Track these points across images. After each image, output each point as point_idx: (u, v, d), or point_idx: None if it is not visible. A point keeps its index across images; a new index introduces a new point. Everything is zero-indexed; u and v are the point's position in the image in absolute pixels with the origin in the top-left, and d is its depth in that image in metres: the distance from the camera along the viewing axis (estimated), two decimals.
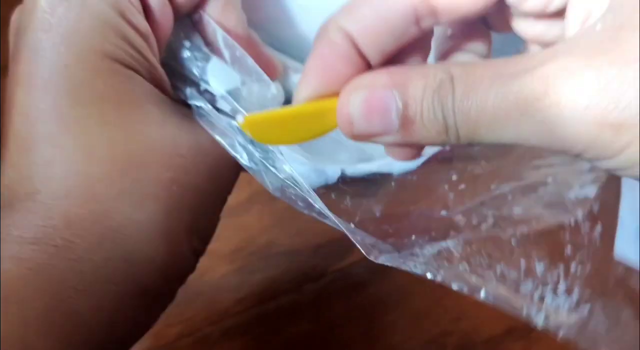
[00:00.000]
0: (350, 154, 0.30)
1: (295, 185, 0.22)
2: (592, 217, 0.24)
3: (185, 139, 0.23)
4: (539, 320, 0.21)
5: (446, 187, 0.26)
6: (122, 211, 0.21)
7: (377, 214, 0.25)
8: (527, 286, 0.22)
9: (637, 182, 0.18)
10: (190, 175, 0.22)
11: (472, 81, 0.17)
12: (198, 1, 0.24)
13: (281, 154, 0.23)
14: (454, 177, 0.27)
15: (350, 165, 0.28)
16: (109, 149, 0.21)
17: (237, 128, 0.23)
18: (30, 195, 0.20)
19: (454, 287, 0.21)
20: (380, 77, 0.18)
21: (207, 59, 0.24)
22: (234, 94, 0.24)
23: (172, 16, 0.23)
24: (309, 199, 0.22)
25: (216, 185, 0.24)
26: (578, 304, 0.21)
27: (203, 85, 0.24)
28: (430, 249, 0.23)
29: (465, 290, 0.21)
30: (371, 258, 0.21)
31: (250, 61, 0.24)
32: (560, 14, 0.20)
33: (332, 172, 0.28)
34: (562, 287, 0.22)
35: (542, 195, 0.25)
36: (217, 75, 0.24)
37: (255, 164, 0.23)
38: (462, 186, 0.26)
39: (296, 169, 0.23)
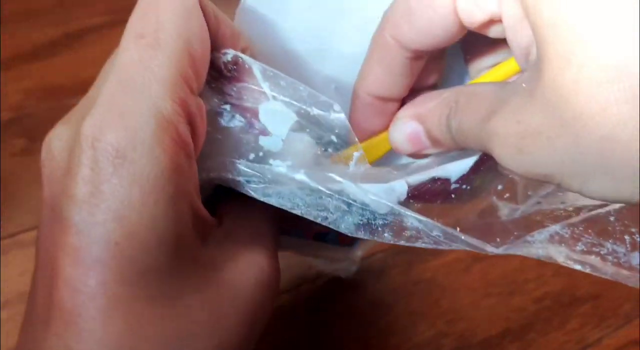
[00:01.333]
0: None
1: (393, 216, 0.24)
2: None
3: (228, 296, 0.23)
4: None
5: (494, 198, 0.27)
6: None
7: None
8: (635, 258, 0.23)
9: None
10: (236, 330, 0.23)
11: (463, 109, 0.21)
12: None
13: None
14: (499, 187, 0.28)
15: (411, 175, 0.29)
16: (157, 326, 0.20)
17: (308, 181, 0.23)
18: None
19: (578, 267, 0.23)
20: (408, 111, 0.24)
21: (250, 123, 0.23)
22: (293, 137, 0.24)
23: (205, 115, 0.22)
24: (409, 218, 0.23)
25: (255, 320, 0.24)
26: None
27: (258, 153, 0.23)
28: (539, 235, 0.24)
29: (588, 269, 0.23)
30: (497, 250, 0.23)
31: (302, 86, 0.23)
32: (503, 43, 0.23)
33: (400, 187, 0.27)
34: None
35: None
36: (272, 120, 0.23)
37: (333, 214, 0.23)
38: (507, 195, 0.28)
39: (366, 199, 0.24)
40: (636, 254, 0.23)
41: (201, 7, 0.21)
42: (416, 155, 0.25)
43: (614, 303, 0.37)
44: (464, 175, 0.28)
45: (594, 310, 0.37)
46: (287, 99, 0.24)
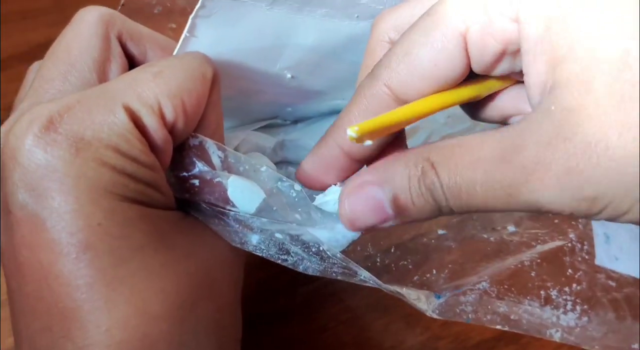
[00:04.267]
0: None
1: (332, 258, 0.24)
2: (579, 236, 0.26)
3: (217, 260, 0.23)
4: (557, 337, 0.24)
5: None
6: None
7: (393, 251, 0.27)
8: (546, 312, 0.25)
9: None
10: (226, 296, 0.23)
11: (455, 165, 0.19)
12: (194, 127, 0.23)
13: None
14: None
15: None
16: (162, 305, 0.20)
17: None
18: None
19: (499, 327, 0.24)
20: (367, 177, 0.21)
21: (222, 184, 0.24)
22: (263, 208, 0.25)
23: (172, 147, 0.23)
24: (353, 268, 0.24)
25: (237, 289, 0.25)
26: (580, 317, 0.24)
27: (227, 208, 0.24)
28: (472, 296, 0.25)
29: (507, 328, 0.24)
30: (434, 315, 0.24)
31: (263, 167, 0.25)
32: (514, 77, 0.22)
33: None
34: (569, 306, 0.24)
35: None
36: (240, 198, 0.24)
37: (292, 256, 0.24)
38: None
39: (322, 236, 0.24)
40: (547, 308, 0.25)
41: (213, 83, 0.23)
42: (369, 231, 0.22)
43: None
44: None
45: None
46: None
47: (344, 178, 0.24)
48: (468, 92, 0.22)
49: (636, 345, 0.22)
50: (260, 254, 0.24)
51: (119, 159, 0.20)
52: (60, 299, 0.19)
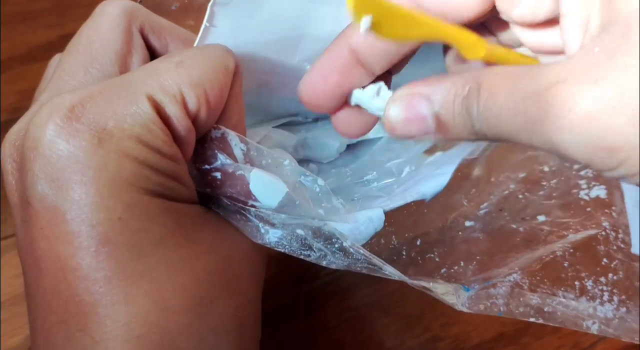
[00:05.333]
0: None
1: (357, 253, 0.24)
2: (613, 224, 0.27)
3: (238, 257, 0.23)
4: (594, 330, 0.23)
5: (465, 201, 0.27)
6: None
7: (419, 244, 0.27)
8: (582, 304, 0.24)
9: None
10: (247, 293, 0.23)
11: (495, 91, 0.18)
12: (216, 118, 0.23)
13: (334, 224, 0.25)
14: (473, 191, 0.29)
15: (386, 204, 0.29)
16: (182, 300, 0.20)
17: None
18: None
19: (533, 319, 0.24)
20: (418, 88, 0.20)
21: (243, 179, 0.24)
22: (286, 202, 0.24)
23: (195, 138, 0.23)
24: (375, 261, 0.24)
25: (259, 287, 0.25)
26: (617, 308, 0.24)
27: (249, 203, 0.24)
28: (502, 288, 0.25)
29: (541, 320, 0.24)
30: (463, 308, 0.24)
31: (287, 160, 0.25)
32: (552, 23, 0.21)
33: (377, 217, 0.28)
34: (605, 297, 0.24)
35: (548, 191, 0.26)
36: (262, 192, 0.24)
37: (315, 251, 0.24)
38: (474, 190, 0.28)
39: (344, 229, 0.24)
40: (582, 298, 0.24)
41: (235, 75, 0.23)
42: (413, 138, 0.21)
43: None
44: (439, 192, 0.29)
45: None
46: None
47: (347, 84, 0.23)
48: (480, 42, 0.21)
49: None
50: (282, 250, 0.24)
51: (141, 150, 0.20)
52: (78, 292, 0.19)
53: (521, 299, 0.24)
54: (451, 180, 0.29)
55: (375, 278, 0.34)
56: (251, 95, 0.29)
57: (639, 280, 0.24)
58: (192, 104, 0.21)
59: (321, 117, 0.35)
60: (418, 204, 0.29)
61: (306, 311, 0.36)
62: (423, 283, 0.24)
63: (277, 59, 0.28)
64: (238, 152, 0.24)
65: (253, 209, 0.24)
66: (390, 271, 0.24)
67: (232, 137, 0.23)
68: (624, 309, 0.23)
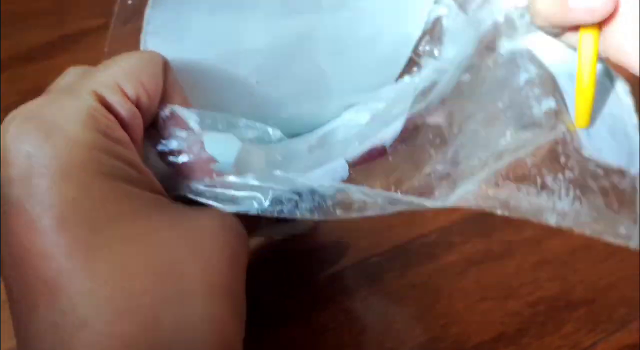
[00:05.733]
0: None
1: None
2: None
3: (202, 232, 0.24)
4: (552, 221, 0.25)
5: (432, 151, 0.28)
6: (171, 316, 0.21)
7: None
8: (543, 197, 0.26)
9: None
10: (217, 264, 0.23)
11: None
12: (158, 102, 0.25)
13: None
14: (435, 139, 0.30)
15: (348, 153, 0.29)
16: (143, 264, 0.21)
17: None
18: (78, 329, 0.20)
19: (499, 211, 0.25)
20: None
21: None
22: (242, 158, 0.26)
23: (142, 122, 0.25)
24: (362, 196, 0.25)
25: (240, 260, 0.25)
26: (572, 202, 0.25)
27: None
28: (471, 185, 0.26)
29: (507, 212, 0.25)
30: (436, 203, 0.26)
31: (241, 120, 0.27)
32: None
33: (341, 167, 0.29)
34: (563, 192, 0.26)
35: (509, 119, 0.28)
36: (217, 149, 0.25)
37: (285, 204, 0.25)
38: (437, 140, 0.29)
39: (310, 180, 0.25)
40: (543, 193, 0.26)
41: (165, 67, 0.25)
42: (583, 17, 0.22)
43: (609, 308, 0.37)
44: (397, 138, 0.30)
45: (589, 314, 0.37)
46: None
47: None
48: None
49: (622, 230, 0.24)
50: (255, 213, 0.25)
51: (88, 134, 0.22)
52: (42, 272, 0.20)
53: (489, 193, 0.26)
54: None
55: (372, 280, 0.34)
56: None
57: (590, 179, 0.26)
58: (130, 91, 0.24)
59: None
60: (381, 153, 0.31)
61: (305, 313, 0.36)
62: (398, 196, 0.25)
63: (222, 77, 0.29)
64: (194, 125, 0.25)
65: (219, 181, 0.25)
66: (365, 191, 0.25)
67: (182, 111, 0.25)
68: (577, 203, 0.25)
